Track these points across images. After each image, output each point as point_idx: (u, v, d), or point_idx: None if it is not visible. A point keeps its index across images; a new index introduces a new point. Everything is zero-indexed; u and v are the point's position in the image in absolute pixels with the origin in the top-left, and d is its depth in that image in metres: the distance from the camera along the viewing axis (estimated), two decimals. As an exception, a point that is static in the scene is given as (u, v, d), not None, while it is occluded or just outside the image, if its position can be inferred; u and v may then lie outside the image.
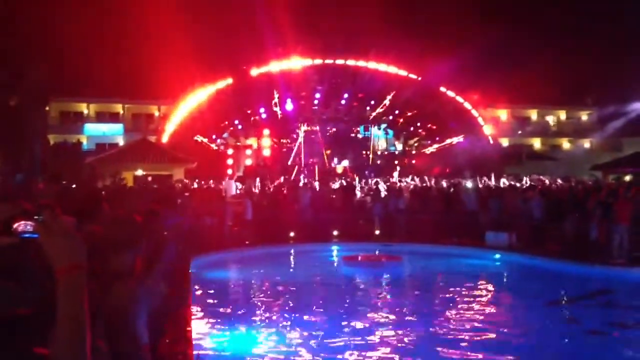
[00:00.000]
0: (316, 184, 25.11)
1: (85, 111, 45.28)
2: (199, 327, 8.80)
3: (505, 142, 43.93)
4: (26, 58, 28.03)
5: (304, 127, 39.65)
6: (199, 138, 35.93)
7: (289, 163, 38.15)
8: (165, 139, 33.85)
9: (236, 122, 37.09)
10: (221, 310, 10.14)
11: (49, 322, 1.61)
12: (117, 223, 2.61)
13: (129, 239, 2.71)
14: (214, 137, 37.89)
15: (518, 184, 23.56)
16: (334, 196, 21.71)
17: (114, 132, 44.03)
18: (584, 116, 50.23)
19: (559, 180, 24.20)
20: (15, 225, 1.56)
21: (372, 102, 38.10)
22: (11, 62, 27.03)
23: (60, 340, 1.44)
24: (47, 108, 41.72)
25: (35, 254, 1.56)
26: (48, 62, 28.55)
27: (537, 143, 48.26)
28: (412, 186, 24.20)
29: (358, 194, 22.47)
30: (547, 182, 24.84)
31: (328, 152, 40.41)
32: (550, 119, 50.14)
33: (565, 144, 48.82)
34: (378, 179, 26.84)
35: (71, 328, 1.45)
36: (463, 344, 8.35)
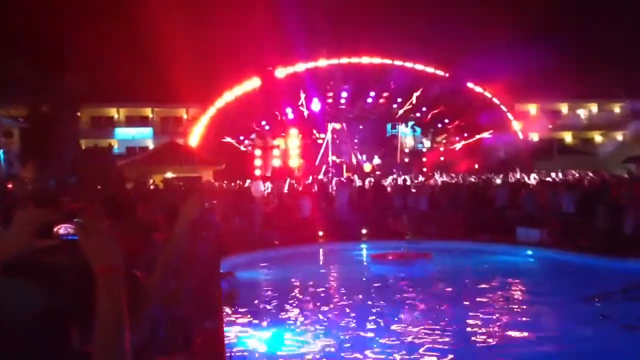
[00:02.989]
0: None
1: (116, 116, 46.12)
2: (231, 326, 8.92)
3: (535, 136, 43.33)
4: (58, 65, 28.61)
5: (331, 126, 39.63)
6: (227, 140, 36.21)
7: (317, 162, 38.23)
8: (193, 141, 34.22)
9: (263, 123, 37.28)
10: (252, 309, 10.25)
11: (80, 322, 1.67)
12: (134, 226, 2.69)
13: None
14: (241, 138, 38.16)
15: (549, 179, 23.24)
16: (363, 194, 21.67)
17: (143, 136, 44.77)
18: (616, 109, 49.21)
19: (591, 174, 23.77)
20: (56, 228, 1.64)
21: (399, 100, 37.92)
22: (43, 69, 27.63)
23: (100, 339, 1.50)
24: (79, 113, 42.52)
25: (71, 256, 1.63)
26: (79, 69, 29.11)
27: (568, 137, 47.49)
28: (440, 183, 24.07)
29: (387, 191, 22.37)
30: (577, 175, 24.44)
31: (355, 150, 40.37)
32: (582, 113, 49.28)
33: (598, 137, 47.93)
34: (406, 177, 26.71)
35: (110, 328, 1.51)
36: (496, 341, 8.32)
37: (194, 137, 34.51)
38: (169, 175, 28.50)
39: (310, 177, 27.80)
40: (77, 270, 1.58)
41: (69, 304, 1.59)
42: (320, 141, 40.36)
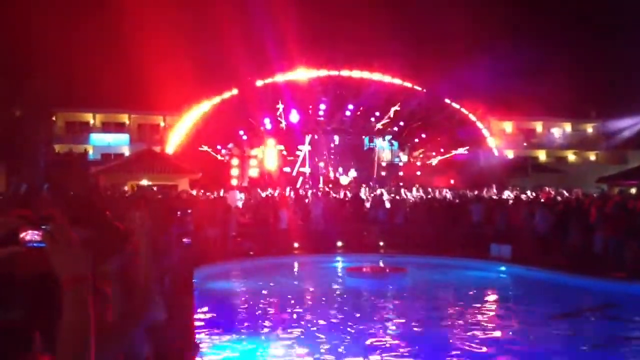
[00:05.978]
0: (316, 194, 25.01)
1: (91, 121, 45.59)
2: (203, 337, 8.80)
3: (510, 154, 43.88)
4: (31, 69, 28.20)
5: (308, 138, 39.66)
6: (204, 148, 35.99)
7: (294, 174, 38.17)
8: (170, 149, 33.95)
9: (241, 132, 37.19)
10: (225, 321, 10.13)
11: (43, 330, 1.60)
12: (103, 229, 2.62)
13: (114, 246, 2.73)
14: (218, 147, 37.98)
15: (523, 196, 23.48)
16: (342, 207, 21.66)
17: (119, 142, 44.29)
18: (589, 128, 50.18)
19: (565, 193, 24.08)
20: (22, 235, 1.58)
21: (377, 114, 38.17)
22: (15, 73, 27.21)
23: (65, 351, 1.45)
24: (52, 118, 41.98)
25: (32, 264, 1.56)
26: (53, 73, 28.74)
27: (542, 155, 48.20)
28: (416, 197, 24.17)
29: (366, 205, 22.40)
30: (552, 193, 24.74)
31: (333, 163, 40.44)
32: (556, 131, 50.08)
33: (571, 156, 48.74)
34: (382, 190, 26.79)
35: (75, 339, 1.47)
36: (467, 356, 8.32)
37: (171, 145, 34.25)
38: (145, 182, 28.19)
39: (287, 189, 27.71)
40: (38, 280, 1.52)
41: (29, 315, 1.53)
42: (297, 153, 40.35)
